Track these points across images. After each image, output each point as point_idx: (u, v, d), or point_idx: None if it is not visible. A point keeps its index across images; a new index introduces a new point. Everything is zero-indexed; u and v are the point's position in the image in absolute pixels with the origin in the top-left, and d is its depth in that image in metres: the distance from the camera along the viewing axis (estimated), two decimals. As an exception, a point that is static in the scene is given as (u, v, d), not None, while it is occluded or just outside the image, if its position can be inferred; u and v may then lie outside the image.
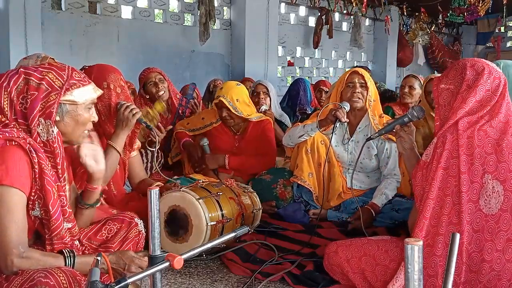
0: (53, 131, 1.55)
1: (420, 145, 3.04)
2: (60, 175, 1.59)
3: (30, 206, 1.51)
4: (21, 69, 1.58)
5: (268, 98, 3.93)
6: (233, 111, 3.16)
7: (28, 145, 1.48)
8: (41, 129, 1.54)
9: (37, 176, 1.50)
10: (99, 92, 1.72)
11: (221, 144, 3.32)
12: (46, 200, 1.51)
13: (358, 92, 2.82)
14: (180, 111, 3.62)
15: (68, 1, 4.77)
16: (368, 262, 1.90)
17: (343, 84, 2.87)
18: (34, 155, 1.49)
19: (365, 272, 1.91)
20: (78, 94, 1.61)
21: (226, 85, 3.26)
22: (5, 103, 1.53)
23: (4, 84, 1.54)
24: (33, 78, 1.55)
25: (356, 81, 2.83)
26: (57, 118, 1.58)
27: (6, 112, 1.53)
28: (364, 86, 2.84)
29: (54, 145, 1.56)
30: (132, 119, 2.27)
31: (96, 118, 1.73)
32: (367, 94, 2.84)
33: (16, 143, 1.47)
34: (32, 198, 1.51)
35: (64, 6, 4.76)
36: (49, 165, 1.55)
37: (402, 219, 2.66)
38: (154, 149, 2.79)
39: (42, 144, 1.55)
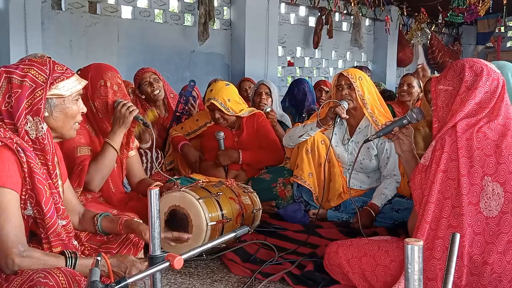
0: (42, 128, 1.54)
1: (421, 146, 3.03)
2: (52, 172, 1.58)
3: (22, 205, 1.50)
4: (1, 68, 1.56)
5: (270, 99, 3.94)
6: (225, 111, 3.17)
7: (15, 144, 1.47)
8: (29, 127, 1.52)
9: (26, 175, 1.48)
10: (84, 82, 1.70)
11: None
12: (38, 198, 1.50)
13: (346, 94, 2.84)
14: (178, 109, 3.62)
15: (68, 1, 4.76)
16: (368, 262, 1.89)
17: (334, 88, 2.92)
18: (22, 155, 1.47)
19: (365, 272, 1.90)
20: (63, 87, 1.60)
21: (215, 87, 3.24)
22: None
23: None
24: (15, 76, 1.53)
25: (343, 83, 2.86)
26: (46, 114, 1.57)
27: None
28: (351, 86, 2.84)
29: (44, 142, 1.54)
30: (129, 116, 2.28)
31: (85, 109, 1.72)
32: (355, 94, 2.84)
33: (2, 143, 1.45)
34: (24, 197, 1.50)
35: (64, 6, 4.76)
36: (39, 163, 1.53)
37: (402, 219, 2.67)
38: (146, 145, 2.79)
39: (31, 142, 1.53)
